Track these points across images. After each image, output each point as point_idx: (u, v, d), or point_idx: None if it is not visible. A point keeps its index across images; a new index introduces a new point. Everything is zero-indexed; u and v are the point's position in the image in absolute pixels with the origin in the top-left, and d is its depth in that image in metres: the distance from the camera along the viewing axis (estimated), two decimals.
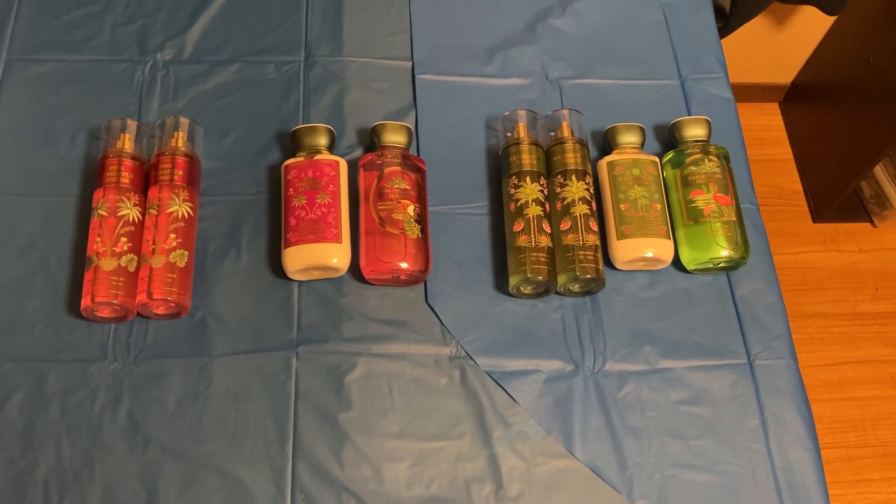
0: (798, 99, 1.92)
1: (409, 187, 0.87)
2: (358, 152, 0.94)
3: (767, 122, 1.96)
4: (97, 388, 0.79)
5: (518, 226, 0.86)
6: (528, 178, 0.88)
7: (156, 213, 0.83)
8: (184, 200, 0.84)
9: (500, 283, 0.88)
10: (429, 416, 0.81)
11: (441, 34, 1.03)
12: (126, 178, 0.84)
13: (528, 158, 0.90)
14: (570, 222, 0.86)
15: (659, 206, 0.89)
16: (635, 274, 0.90)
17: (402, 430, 0.80)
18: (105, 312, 0.81)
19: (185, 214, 0.83)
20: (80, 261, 0.84)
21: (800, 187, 1.87)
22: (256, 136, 0.94)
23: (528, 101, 0.99)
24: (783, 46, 1.80)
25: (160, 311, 0.82)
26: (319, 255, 0.83)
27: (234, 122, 0.94)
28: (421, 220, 0.86)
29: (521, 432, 0.81)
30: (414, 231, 0.84)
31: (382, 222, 0.84)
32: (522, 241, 0.85)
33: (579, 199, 0.87)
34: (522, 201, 0.87)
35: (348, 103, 0.96)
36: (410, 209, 0.85)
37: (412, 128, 0.94)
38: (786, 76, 1.92)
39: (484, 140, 0.96)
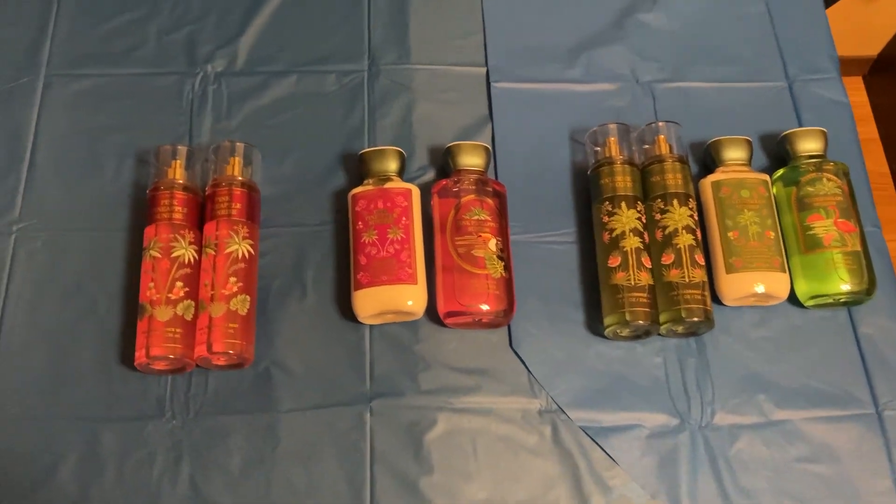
0: (885, 72, 1.77)
1: (488, 217, 0.77)
2: (430, 174, 0.85)
3: (850, 99, 1.82)
4: (155, 450, 0.72)
5: (614, 260, 0.77)
6: (623, 204, 0.78)
7: (213, 253, 0.75)
8: (243, 238, 0.76)
9: (593, 323, 0.79)
10: (518, 480, 0.72)
11: (518, 34, 0.92)
12: (179, 212, 0.76)
13: (622, 181, 0.80)
14: (673, 255, 0.77)
15: (772, 233, 0.79)
16: (744, 309, 0.80)
17: (489, 497, 0.72)
18: (161, 365, 0.73)
19: (246, 254, 0.75)
20: (132, 302, 0.77)
21: (886, 169, 1.73)
22: (318, 157, 0.85)
23: (616, 109, 0.89)
24: (870, 14, 1.65)
25: (221, 362, 0.74)
26: (394, 299, 0.75)
27: (293, 142, 0.85)
28: (504, 255, 0.77)
29: (623, 497, 0.72)
30: (497, 269, 0.76)
31: (461, 259, 0.76)
32: (620, 278, 0.76)
33: (683, 228, 0.78)
34: (618, 231, 0.77)
35: (417, 118, 0.87)
36: (492, 244, 0.76)
37: (489, 146, 0.84)
38: (872, 47, 1.77)
39: (569, 155, 0.87)
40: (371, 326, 0.78)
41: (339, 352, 0.77)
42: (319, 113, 0.87)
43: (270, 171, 0.84)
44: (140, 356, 0.72)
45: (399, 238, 0.76)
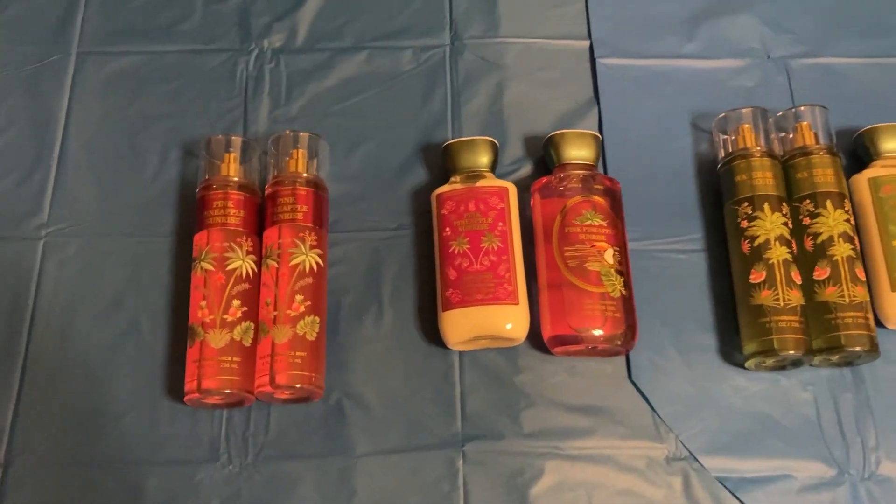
0: None
1: (603, 222, 0.64)
2: (526, 168, 0.72)
3: None
4: (208, 500, 0.61)
5: (757, 275, 0.63)
6: (766, 206, 0.65)
7: (276, 265, 0.63)
8: (311, 247, 0.63)
9: (728, 349, 0.65)
10: None
11: (626, 0, 0.79)
12: (234, 216, 0.64)
13: (762, 177, 0.66)
14: (828, 269, 0.63)
15: None
16: None
17: None
18: (215, 400, 0.62)
19: (314, 266, 0.63)
20: (180, 321, 0.65)
21: None
22: (394, 148, 0.73)
23: (744, 90, 0.75)
24: None
25: (285, 396, 0.62)
26: (490, 322, 0.62)
27: (364, 131, 0.73)
28: (623, 268, 0.64)
29: None
30: (616, 286, 0.63)
31: (571, 274, 0.63)
32: (765, 297, 0.62)
33: (839, 236, 0.64)
34: (761, 240, 0.64)
35: (509, 101, 0.74)
36: (608, 254, 0.63)
37: (597, 133, 0.71)
38: None
39: (690, 145, 0.73)
40: (462, 353, 0.65)
41: (424, 383, 0.64)
42: (394, 96, 0.75)
43: (338, 165, 0.71)
44: (190, 388, 0.61)
45: (495, 248, 0.63)
